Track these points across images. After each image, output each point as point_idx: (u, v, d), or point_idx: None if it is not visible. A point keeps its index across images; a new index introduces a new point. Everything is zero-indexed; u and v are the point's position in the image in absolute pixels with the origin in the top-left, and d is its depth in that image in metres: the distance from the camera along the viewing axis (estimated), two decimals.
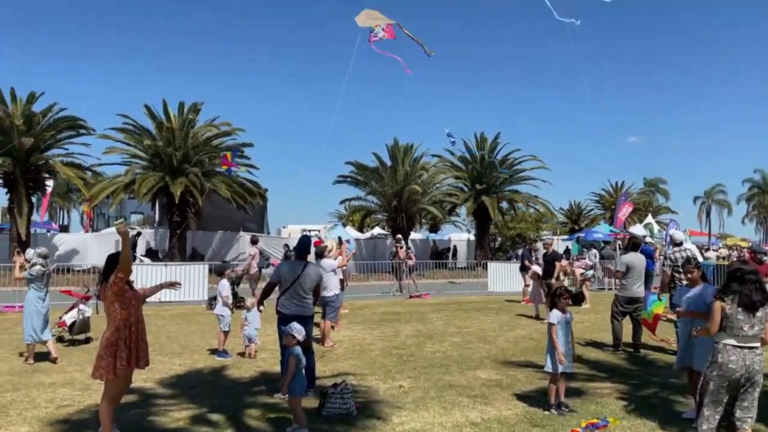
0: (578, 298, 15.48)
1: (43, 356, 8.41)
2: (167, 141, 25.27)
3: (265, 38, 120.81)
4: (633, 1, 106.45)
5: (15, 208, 23.99)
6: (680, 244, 10.04)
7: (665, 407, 6.36)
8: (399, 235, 24.34)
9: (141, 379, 6.98)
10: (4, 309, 13.67)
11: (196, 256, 25.86)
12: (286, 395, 5.64)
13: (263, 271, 17.09)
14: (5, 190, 24.52)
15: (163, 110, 26.12)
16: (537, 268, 14.45)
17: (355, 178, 31.67)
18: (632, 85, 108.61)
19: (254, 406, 6.34)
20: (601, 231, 26.79)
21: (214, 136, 26.98)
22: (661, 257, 16.16)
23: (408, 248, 22.48)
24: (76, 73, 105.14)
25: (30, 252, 8.94)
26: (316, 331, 10.32)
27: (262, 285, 12.32)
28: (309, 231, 35.38)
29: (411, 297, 18.20)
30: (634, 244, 10.36)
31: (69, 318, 9.88)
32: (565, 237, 39.93)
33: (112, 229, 33.07)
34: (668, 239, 14.81)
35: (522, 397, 6.68)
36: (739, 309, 4.68)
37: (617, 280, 10.64)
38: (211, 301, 14.94)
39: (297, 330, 5.71)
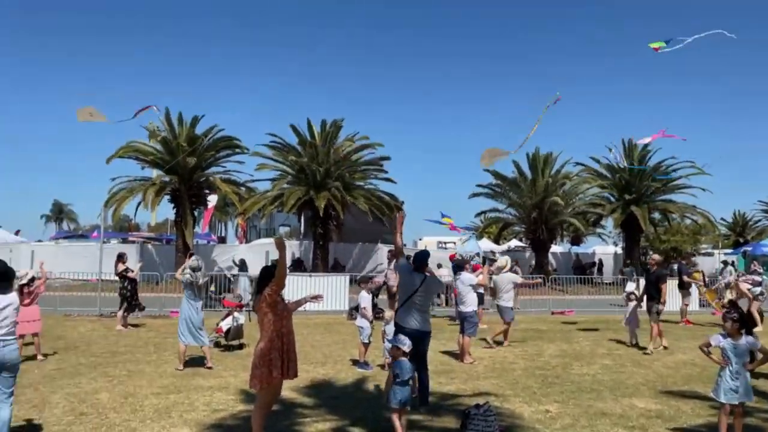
0: (747, 320, 13.68)
1: (199, 361, 9.05)
2: (311, 157, 26.57)
3: (402, 51, 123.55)
4: None
5: (181, 221, 26.56)
6: None
7: None
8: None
9: (287, 387, 7.21)
10: (171, 314, 15.02)
11: (337, 267, 26.83)
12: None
13: None
14: (172, 205, 27.22)
15: (307, 128, 27.55)
16: (631, 287, 12.90)
17: (492, 190, 31.07)
18: None
19: None
20: None
21: (353, 150, 27.92)
22: None
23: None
24: (225, 93, 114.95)
25: (187, 261, 9.73)
26: (436, 345, 10.11)
27: None
28: (445, 243, 35.30)
29: (553, 313, 17.38)
30: None
31: (225, 324, 10.59)
32: (729, 251, 36.05)
33: (264, 240, 35.45)
34: None
35: None
36: None
37: None
38: (352, 311, 15.34)
39: (401, 341, 5.72)
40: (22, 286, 9.25)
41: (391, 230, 31.39)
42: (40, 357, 9.38)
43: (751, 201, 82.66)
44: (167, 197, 26.68)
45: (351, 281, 18.25)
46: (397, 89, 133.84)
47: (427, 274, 7.11)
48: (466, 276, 10.11)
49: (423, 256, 7.23)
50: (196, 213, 28.85)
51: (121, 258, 13.80)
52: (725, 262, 23.00)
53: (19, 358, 5.36)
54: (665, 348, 11.09)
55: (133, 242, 34.33)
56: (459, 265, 10.56)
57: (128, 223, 62.39)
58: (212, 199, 26.43)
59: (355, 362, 9.24)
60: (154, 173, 26.27)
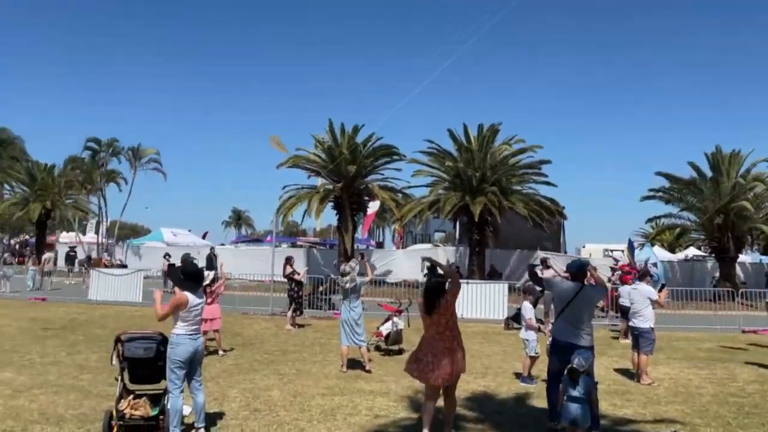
0: None
1: (359, 364, 9.21)
2: (467, 162, 26.32)
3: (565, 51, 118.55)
4: None
5: (342, 227, 27.78)
6: None
7: None
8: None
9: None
10: (334, 315, 15.64)
11: (494, 274, 26.22)
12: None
13: None
14: (335, 211, 28.59)
15: (463, 133, 27.37)
16: None
17: (667, 193, 28.39)
18: None
19: None
20: None
21: (510, 154, 27.18)
22: None
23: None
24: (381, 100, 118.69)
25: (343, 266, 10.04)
26: (607, 362, 9.25)
27: None
28: (611, 251, 32.96)
29: (744, 331, 15.33)
30: None
31: (385, 329, 10.73)
32: None
33: (419, 246, 35.87)
34: None
35: None
36: None
37: None
38: (509, 321, 14.81)
39: (578, 363, 5.46)
40: (205, 287, 10.15)
41: (550, 237, 30.31)
42: (221, 352, 10.19)
43: None
44: (330, 204, 28.07)
45: (510, 289, 17.70)
46: (562, 91, 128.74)
47: (587, 283, 6.54)
48: (645, 288, 9.18)
49: (579, 264, 6.70)
50: (356, 219, 30.01)
51: (288, 261, 14.66)
52: None
53: (203, 351, 5.87)
54: None
55: (301, 246, 36.67)
56: (642, 274, 9.74)
57: (296, 229, 66.90)
58: (373, 206, 27.28)
59: (518, 375, 8.82)
60: (320, 182, 27.78)
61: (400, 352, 10.63)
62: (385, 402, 7.21)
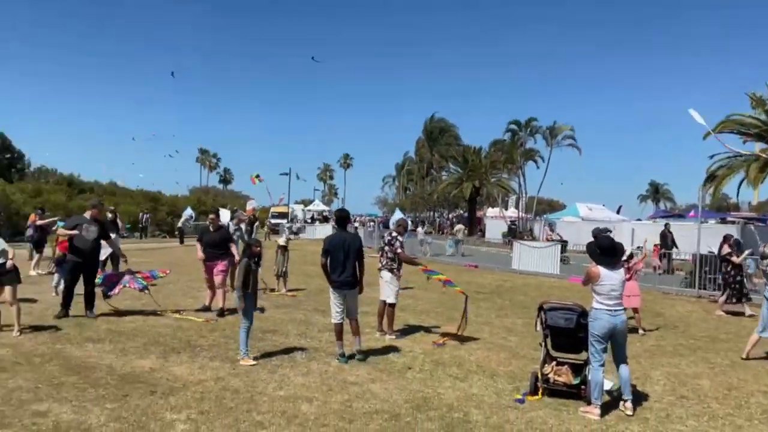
0: None
1: None
2: None
3: None
4: None
5: None
6: None
7: None
8: None
9: None
10: None
11: None
12: None
13: None
14: None
15: None
16: None
17: None
18: None
19: None
20: None
21: None
22: None
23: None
24: None
25: None
26: None
27: None
28: None
29: None
30: None
31: None
32: None
33: None
34: None
35: None
36: None
37: None
38: None
39: None
40: (623, 261, 9.86)
41: None
42: (641, 331, 9.79)
43: None
44: None
45: None
46: None
47: None
48: None
49: None
50: None
51: (727, 240, 12.96)
52: None
53: (626, 327, 5.76)
54: None
55: (733, 222, 32.01)
56: None
57: (726, 203, 58.77)
58: None
59: None
60: (757, 147, 23.67)
61: None
62: None
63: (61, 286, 9.88)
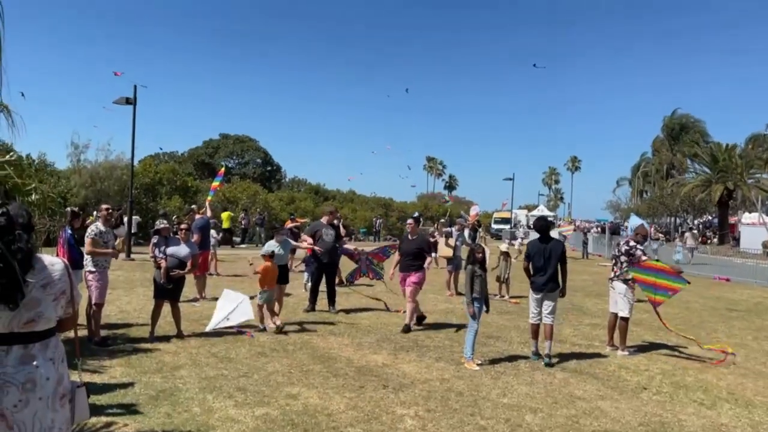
0: None
1: None
2: None
3: None
4: None
5: None
6: None
7: None
8: None
9: None
10: None
11: None
12: None
13: None
14: None
15: None
16: None
17: None
18: None
19: None
20: None
21: None
22: None
23: None
24: None
25: None
26: None
27: None
28: None
29: None
30: None
31: None
32: None
33: None
34: None
35: None
36: None
37: None
38: None
39: None
40: None
41: None
42: None
43: None
44: None
45: None
46: None
47: None
48: None
49: None
50: None
51: None
52: None
53: None
54: None
55: None
56: None
57: None
58: None
59: None
60: None
61: None
62: None
63: (309, 284, 11.16)
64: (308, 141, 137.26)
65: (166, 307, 7.84)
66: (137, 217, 21.88)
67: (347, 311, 10.30)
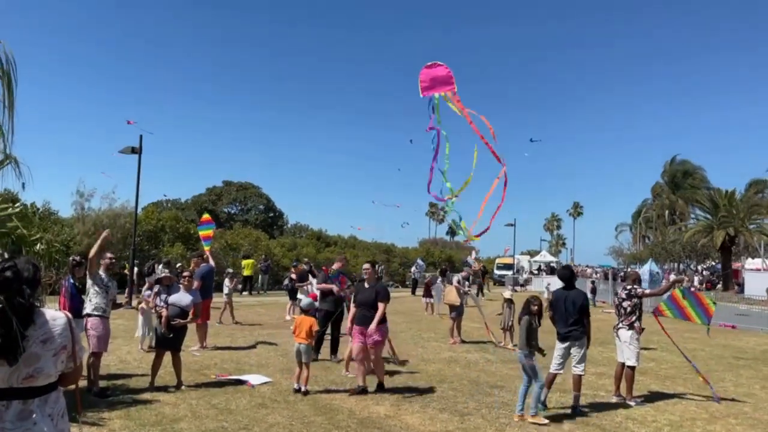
0: None
1: None
2: None
3: None
4: None
5: None
6: None
7: None
8: None
9: None
10: None
11: None
12: None
13: None
14: None
15: None
16: None
17: None
18: None
19: None
20: None
21: None
22: None
23: None
24: None
25: None
26: None
27: None
28: None
29: None
30: None
31: None
32: None
33: None
34: None
35: None
36: None
37: None
38: None
39: None
40: None
41: None
42: None
43: None
44: None
45: None
46: None
47: None
48: None
49: None
50: None
51: None
52: None
53: None
54: None
55: None
56: None
57: None
58: None
59: None
60: None
61: None
62: None
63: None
64: (310, 188, 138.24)
65: (167, 357, 7.78)
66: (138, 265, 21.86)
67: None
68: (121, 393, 7.35)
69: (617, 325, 8.22)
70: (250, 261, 25.75)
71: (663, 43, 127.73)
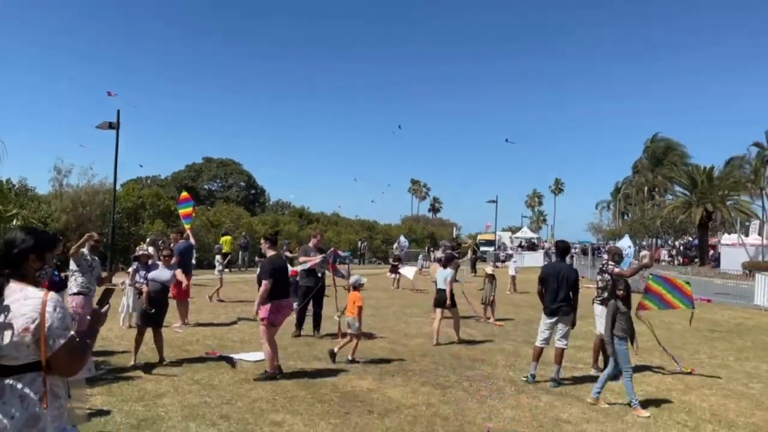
0: None
1: None
2: None
3: None
4: None
5: None
6: None
7: None
8: None
9: None
10: None
11: None
12: None
13: None
14: None
15: None
16: None
17: None
18: None
19: None
20: None
21: None
22: None
23: None
24: None
25: None
26: None
27: None
28: None
29: None
30: None
31: None
32: None
33: None
34: None
35: None
36: None
37: None
38: None
39: None
40: None
41: None
42: None
43: None
44: None
45: None
46: None
47: None
48: None
49: None
50: None
51: None
52: None
53: None
54: None
55: None
56: None
57: None
58: None
59: None
60: None
61: None
62: None
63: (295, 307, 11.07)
64: (293, 164, 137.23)
65: (149, 334, 7.74)
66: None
67: (333, 335, 10.23)
68: (103, 370, 7.31)
69: (594, 299, 8.37)
70: (227, 238, 25.56)
71: (648, 20, 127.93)
